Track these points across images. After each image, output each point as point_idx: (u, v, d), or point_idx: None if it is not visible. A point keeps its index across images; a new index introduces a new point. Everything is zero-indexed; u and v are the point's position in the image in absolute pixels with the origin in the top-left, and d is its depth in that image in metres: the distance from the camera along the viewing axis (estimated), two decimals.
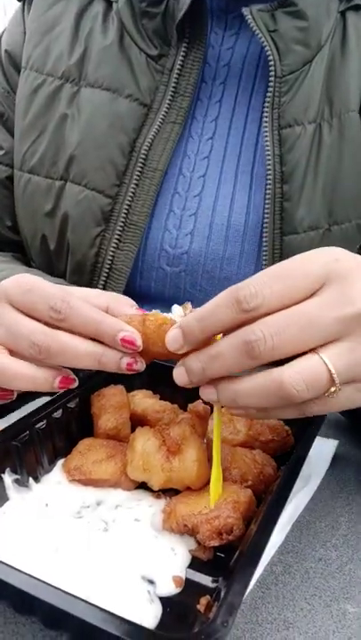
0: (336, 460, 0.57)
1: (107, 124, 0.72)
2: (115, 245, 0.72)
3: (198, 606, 0.39)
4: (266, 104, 0.68)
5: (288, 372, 0.37)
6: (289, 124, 0.68)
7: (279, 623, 0.40)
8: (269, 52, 0.67)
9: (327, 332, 0.38)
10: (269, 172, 0.68)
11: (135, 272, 0.75)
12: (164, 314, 0.46)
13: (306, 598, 0.42)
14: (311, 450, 0.50)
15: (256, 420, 0.54)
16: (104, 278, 0.73)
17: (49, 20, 0.77)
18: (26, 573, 0.35)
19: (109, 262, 0.72)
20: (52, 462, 0.52)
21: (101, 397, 0.56)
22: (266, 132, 0.68)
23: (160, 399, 0.60)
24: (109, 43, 0.73)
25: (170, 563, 0.42)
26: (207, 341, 0.40)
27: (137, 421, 0.55)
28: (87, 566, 0.41)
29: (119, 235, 0.72)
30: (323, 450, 0.57)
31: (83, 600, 0.34)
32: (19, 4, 0.83)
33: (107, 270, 0.73)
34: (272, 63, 0.67)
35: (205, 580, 0.42)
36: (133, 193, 0.71)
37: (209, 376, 0.40)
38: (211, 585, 0.41)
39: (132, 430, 0.52)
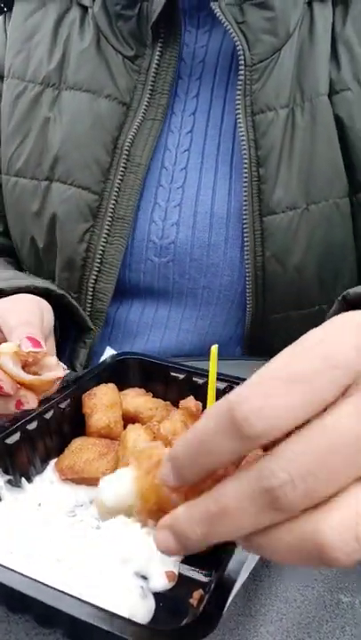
0: None
1: (89, 123, 0.73)
2: (104, 240, 0.74)
3: (191, 600, 0.39)
4: (238, 92, 0.70)
5: (327, 530, 0.25)
6: (261, 110, 0.70)
7: (272, 614, 0.40)
8: (238, 43, 0.69)
9: None
10: (245, 156, 0.70)
11: (124, 266, 0.76)
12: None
13: (299, 589, 0.42)
14: None
15: None
16: (95, 273, 0.74)
17: (28, 28, 0.80)
18: (17, 572, 0.35)
19: (100, 257, 0.74)
20: (45, 462, 0.52)
21: (93, 396, 0.56)
22: (239, 118, 0.70)
23: (152, 397, 0.61)
24: (86, 46, 0.75)
25: (162, 558, 0.42)
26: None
27: (129, 419, 0.56)
28: (81, 564, 0.41)
29: (108, 229, 0.73)
30: None
31: (75, 597, 0.34)
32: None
33: (98, 265, 0.74)
34: (241, 53, 0.69)
35: (198, 574, 0.42)
36: (119, 188, 0.73)
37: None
38: (204, 579, 0.42)
39: (125, 428, 0.52)
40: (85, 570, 0.41)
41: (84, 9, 0.77)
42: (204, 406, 0.50)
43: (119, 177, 0.73)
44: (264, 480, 0.25)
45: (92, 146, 0.74)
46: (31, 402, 0.49)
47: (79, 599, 0.34)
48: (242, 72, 0.70)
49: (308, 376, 0.26)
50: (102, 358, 0.66)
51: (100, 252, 0.74)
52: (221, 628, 0.39)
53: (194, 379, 0.61)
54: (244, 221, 0.72)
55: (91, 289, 0.75)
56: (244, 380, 0.60)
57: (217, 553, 0.39)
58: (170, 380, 0.61)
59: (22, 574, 0.35)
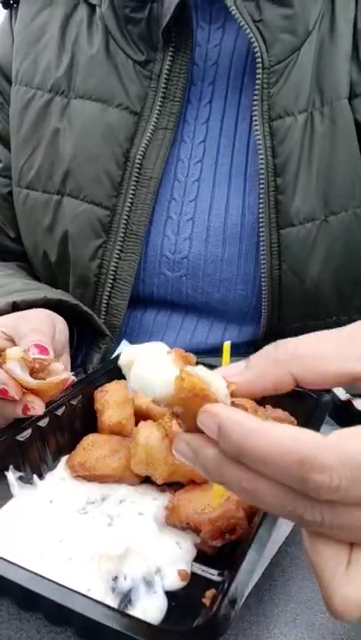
0: None
1: (99, 135, 0.72)
2: (117, 256, 0.72)
3: (204, 600, 0.39)
4: (255, 96, 0.67)
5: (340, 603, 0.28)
6: (279, 116, 0.67)
7: (286, 615, 0.40)
8: (255, 44, 0.66)
9: None
10: (262, 165, 0.67)
11: (137, 279, 0.75)
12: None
13: (313, 590, 0.42)
14: None
15: (261, 412, 0.54)
16: (108, 289, 0.73)
17: (35, 30, 0.77)
18: (29, 570, 0.35)
19: (113, 273, 0.73)
20: (56, 459, 0.52)
21: (105, 393, 0.56)
22: (256, 124, 0.67)
23: None
24: (95, 51, 0.73)
25: (175, 556, 0.42)
26: None
27: (141, 416, 0.55)
28: (92, 562, 0.41)
29: (120, 245, 0.72)
30: None
31: (86, 596, 0.34)
32: (5, 10, 0.82)
33: (110, 281, 0.73)
34: (258, 54, 0.66)
35: (211, 573, 0.41)
36: (131, 202, 0.71)
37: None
38: (216, 578, 0.41)
39: (137, 425, 0.52)
40: (96, 568, 0.40)
41: (92, 7, 0.74)
42: None
43: (131, 192, 0.71)
44: (298, 509, 0.27)
45: (104, 159, 0.72)
46: (37, 407, 0.49)
47: (91, 598, 0.34)
48: (259, 75, 0.66)
49: None
50: (117, 352, 0.66)
51: (113, 268, 0.73)
52: (234, 628, 0.39)
53: None
54: (261, 234, 0.69)
55: (105, 305, 0.75)
56: None
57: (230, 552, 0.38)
58: None
59: (34, 572, 0.35)
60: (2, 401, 0.49)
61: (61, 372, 0.51)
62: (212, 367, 0.33)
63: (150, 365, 0.32)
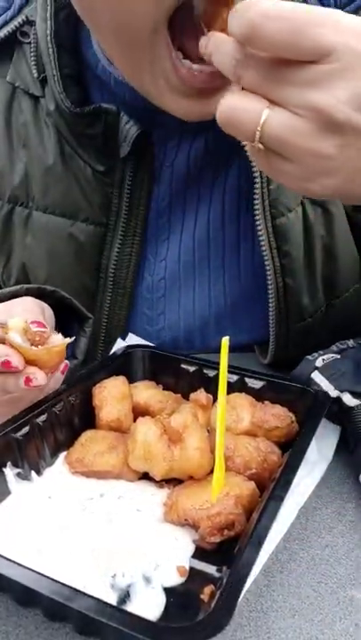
0: (342, 445, 0.56)
1: (72, 256, 0.72)
2: (102, 348, 0.75)
3: (202, 596, 0.39)
4: (255, 197, 0.63)
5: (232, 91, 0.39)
6: (282, 213, 0.64)
7: (285, 611, 0.40)
8: None
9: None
10: (268, 266, 0.65)
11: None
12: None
13: (312, 585, 0.42)
14: (317, 436, 0.50)
15: (260, 408, 0.54)
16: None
17: None
18: (27, 567, 0.35)
19: (100, 358, 0.74)
20: (55, 455, 0.52)
21: (103, 389, 0.55)
22: (259, 226, 0.64)
23: (163, 389, 0.60)
24: (51, 163, 0.69)
25: (173, 552, 0.42)
26: None
27: (139, 412, 0.55)
28: (90, 558, 0.41)
29: (103, 339, 0.75)
30: (328, 435, 0.56)
31: (84, 593, 0.34)
32: None
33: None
34: None
35: (210, 569, 0.41)
36: (108, 310, 0.73)
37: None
38: (215, 574, 0.41)
39: (135, 421, 0.51)
40: (95, 564, 0.40)
41: (34, 99, 0.69)
42: (215, 399, 0.49)
43: (107, 302, 0.73)
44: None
45: (78, 277, 0.73)
46: (40, 378, 0.49)
47: (89, 594, 0.34)
48: (257, 175, 0.62)
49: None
50: (123, 344, 0.66)
51: (100, 355, 0.75)
52: (233, 624, 0.39)
53: (204, 371, 0.60)
54: (271, 331, 0.69)
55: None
56: (255, 371, 0.60)
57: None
58: (180, 372, 0.61)
59: (32, 569, 0.35)
60: (4, 375, 0.49)
61: (61, 342, 0.51)
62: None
63: None
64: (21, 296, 0.62)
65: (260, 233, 0.64)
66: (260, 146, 0.38)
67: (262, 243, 0.64)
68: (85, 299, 0.72)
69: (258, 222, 0.63)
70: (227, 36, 0.39)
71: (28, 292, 0.64)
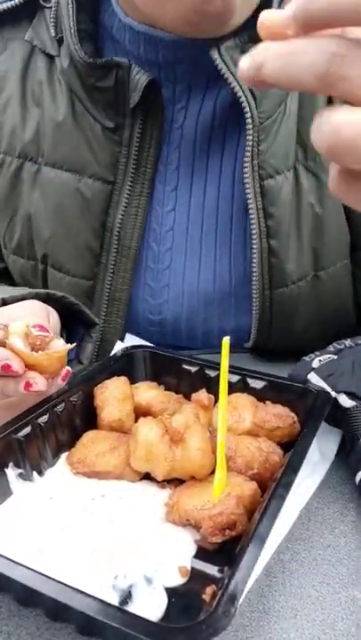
0: (345, 445, 0.56)
1: (77, 211, 0.71)
2: (102, 320, 0.74)
3: (204, 596, 0.39)
4: (246, 155, 0.64)
5: (349, 114, 0.27)
6: (270, 175, 0.65)
7: (286, 611, 0.40)
8: (243, 100, 0.62)
9: None
10: (254, 227, 0.66)
11: (124, 334, 0.77)
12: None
13: (314, 585, 0.42)
14: (318, 436, 0.50)
15: (262, 408, 0.54)
16: (96, 348, 0.73)
17: None
18: (29, 567, 0.35)
19: (100, 335, 0.74)
20: (56, 456, 0.52)
21: (105, 389, 0.55)
22: (248, 185, 0.64)
23: (164, 390, 0.60)
24: (62, 118, 0.70)
25: (175, 553, 0.42)
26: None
27: (141, 413, 0.55)
28: (92, 559, 0.41)
29: (105, 310, 0.74)
30: (330, 435, 0.56)
31: (86, 593, 0.34)
32: None
33: (98, 342, 0.73)
34: (248, 111, 0.62)
35: (211, 569, 0.41)
36: (113, 272, 0.72)
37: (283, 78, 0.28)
38: (217, 574, 0.41)
39: (136, 422, 0.51)
40: (96, 564, 0.40)
41: (50, 58, 0.71)
42: (217, 399, 0.49)
43: (112, 262, 0.72)
44: (332, 43, 0.26)
45: (82, 233, 0.72)
46: (40, 383, 0.49)
47: (90, 595, 0.34)
48: (250, 133, 0.63)
49: None
50: (115, 350, 0.66)
51: (100, 330, 0.74)
52: (234, 624, 0.39)
53: (206, 371, 0.60)
54: (254, 293, 0.69)
55: (94, 358, 0.75)
56: (256, 372, 0.60)
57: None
58: (182, 372, 0.61)
59: (33, 569, 0.35)
60: (4, 378, 0.49)
61: (62, 347, 0.51)
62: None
63: None
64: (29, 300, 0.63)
65: (248, 192, 0.65)
66: None
67: (250, 203, 0.65)
68: (89, 260, 0.72)
69: (246, 181, 0.64)
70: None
71: (36, 297, 0.64)
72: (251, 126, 0.63)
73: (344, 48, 0.26)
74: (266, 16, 0.29)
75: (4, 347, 0.49)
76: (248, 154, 0.64)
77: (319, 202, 0.67)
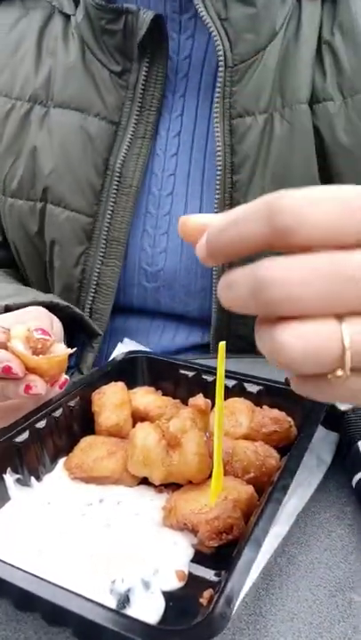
0: (342, 449, 0.57)
1: (80, 146, 0.73)
2: (100, 262, 0.74)
3: (201, 600, 0.39)
4: (217, 94, 0.68)
5: (289, 332, 0.27)
6: (240, 114, 0.68)
7: (283, 614, 0.40)
8: (218, 42, 0.66)
9: None
10: (219, 162, 0.69)
11: (118, 290, 0.77)
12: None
13: (310, 589, 0.42)
14: (315, 439, 0.50)
15: (258, 412, 0.54)
16: (92, 294, 0.75)
17: (12, 42, 0.78)
18: (26, 571, 0.35)
19: (96, 279, 0.74)
20: (54, 461, 0.52)
21: (102, 395, 0.56)
22: (217, 122, 0.68)
23: (161, 395, 0.60)
24: (72, 62, 0.74)
25: (172, 557, 0.42)
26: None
27: (139, 418, 0.55)
28: (90, 563, 0.41)
29: (103, 251, 0.74)
30: (327, 439, 0.56)
31: (84, 597, 0.34)
32: None
33: (94, 286, 0.75)
34: (221, 52, 0.67)
35: (208, 573, 0.41)
36: (112, 210, 0.73)
37: (223, 300, 0.31)
38: (214, 578, 0.41)
39: (134, 427, 0.52)
40: (94, 569, 0.40)
41: (67, 17, 0.75)
42: (214, 404, 0.50)
43: (112, 199, 0.73)
44: (257, 270, 0.27)
45: (84, 168, 0.73)
46: (39, 386, 0.49)
47: (88, 599, 0.34)
48: (221, 72, 0.67)
49: (346, 208, 0.27)
50: (114, 354, 0.66)
51: (96, 274, 0.74)
52: (231, 627, 0.39)
53: (203, 376, 0.60)
54: None
55: (88, 309, 0.76)
56: (253, 376, 0.60)
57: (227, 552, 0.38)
58: (179, 377, 0.61)
59: (31, 573, 0.35)
60: (4, 380, 0.49)
61: (63, 352, 0.52)
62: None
63: None
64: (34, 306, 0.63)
65: (216, 128, 0.68)
66: (348, 372, 0.28)
67: (218, 139, 0.68)
68: (90, 196, 0.73)
69: (216, 118, 0.68)
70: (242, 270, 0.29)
71: (40, 305, 0.64)
72: (223, 67, 0.67)
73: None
74: (184, 221, 0.33)
75: (6, 349, 0.49)
76: (219, 91, 0.68)
77: (289, 148, 0.69)
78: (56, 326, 0.61)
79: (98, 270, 0.74)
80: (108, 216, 0.73)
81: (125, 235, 0.74)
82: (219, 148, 0.68)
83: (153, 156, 0.74)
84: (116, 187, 0.72)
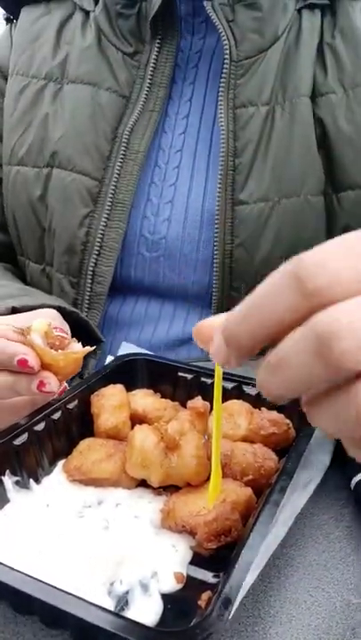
0: (340, 451, 0.57)
1: (89, 113, 0.76)
2: (104, 223, 0.75)
3: (200, 602, 0.39)
4: (222, 85, 0.73)
5: None
6: (243, 104, 0.73)
7: (282, 616, 0.40)
8: (225, 39, 0.72)
9: None
10: (223, 146, 0.72)
11: (117, 260, 0.77)
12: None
13: (309, 591, 0.42)
14: (314, 441, 0.50)
15: (257, 414, 0.54)
16: (95, 257, 0.76)
17: (34, 32, 0.83)
18: (25, 574, 0.35)
19: (99, 241, 0.75)
20: (53, 463, 0.52)
21: (101, 397, 0.56)
22: (221, 110, 0.73)
23: (160, 397, 0.60)
24: (88, 44, 0.78)
25: (171, 559, 0.42)
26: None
27: (137, 420, 0.55)
28: (88, 565, 0.41)
29: (107, 214, 0.75)
30: (325, 441, 0.56)
31: (82, 599, 0.34)
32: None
33: (97, 249, 0.76)
34: (227, 48, 0.72)
35: (207, 575, 0.42)
36: (119, 174, 0.75)
37: (275, 392, 0.28)
38: (212, 580, 0.41)
39: (132, 429, 0.52)
40: (92, 571, 0.41)
41: (87, 13, 0.80)
42: (212, 406, 0.50)
43: (118, 163, 0.75)
44: (316, 326, 0.24)
45: (92, 134, 0.76)
46: (53, 384, 0.50)
47: (87, 601, 0.34)
48: (227, 66, 0.72)
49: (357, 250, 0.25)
50: (119, 353, 0.66)
51: (100, 235, 0.75)
52: (229, 629, 0.39)
53: (202, 379, 0.60)
54: (217, 207, 0.73)
55: (90, 273, 0.76)
56: (251, 378, 0.60)
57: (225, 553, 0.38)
58: (178, 380, 0.61)
59: (30, 576, 0.35)
60: (17, 375, 0.50)
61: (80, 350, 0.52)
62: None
63: None
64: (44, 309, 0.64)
65: (221, 116, 0.72)
66: None
67: (222, 126, 0.72)
68: (97, 159, 0.75)
69: (220, 106, 0.72)
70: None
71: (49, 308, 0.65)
72: (228, 60, 0.72)
73: None
74: (198, 326, 0.32)
75: (24, 343, 0.49)
76: (224, 82, 0.73)
77: (289, 139, 0.73)
78: (65, 330, 0.62)
79: (102, 232, 0.75)
80: (115, 179, 0.75)
81: (130, 198, 0.75)
82: (223, 134, 0.72)
83: (161, 134, 0.78)
84: (123, 152, 0.75)
